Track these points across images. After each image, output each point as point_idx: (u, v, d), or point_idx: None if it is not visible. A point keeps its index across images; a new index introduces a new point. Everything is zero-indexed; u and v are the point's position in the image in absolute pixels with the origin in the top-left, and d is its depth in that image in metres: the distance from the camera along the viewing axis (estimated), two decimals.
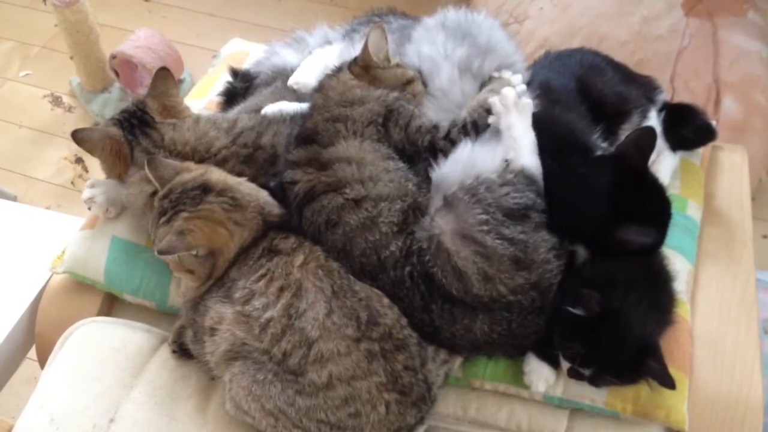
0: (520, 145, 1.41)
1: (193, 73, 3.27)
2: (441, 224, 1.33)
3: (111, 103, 3.20)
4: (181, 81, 3.21)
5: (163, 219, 1.38)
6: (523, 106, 1.44)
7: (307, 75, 1.76)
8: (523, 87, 1.54)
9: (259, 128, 1.58)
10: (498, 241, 1.29)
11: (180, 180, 1.41)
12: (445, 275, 1.32)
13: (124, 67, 3.16)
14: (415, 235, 1.36)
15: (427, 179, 1.44)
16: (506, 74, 1.57)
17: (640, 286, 1.32)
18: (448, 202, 1.35)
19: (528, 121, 1.43)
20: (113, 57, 3.13)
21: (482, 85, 1.57)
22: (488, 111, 1.48)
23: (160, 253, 1.33)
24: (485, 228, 1.29)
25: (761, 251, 1.80)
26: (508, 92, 1.45)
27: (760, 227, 2.51)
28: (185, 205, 1.37)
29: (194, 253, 1.36)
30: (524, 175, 1.37)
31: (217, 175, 1.44)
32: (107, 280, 1.63)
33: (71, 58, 3.17)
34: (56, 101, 3.35)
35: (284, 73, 1.83)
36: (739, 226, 1.77)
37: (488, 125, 1.48)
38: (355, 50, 1.66)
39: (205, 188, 1.40)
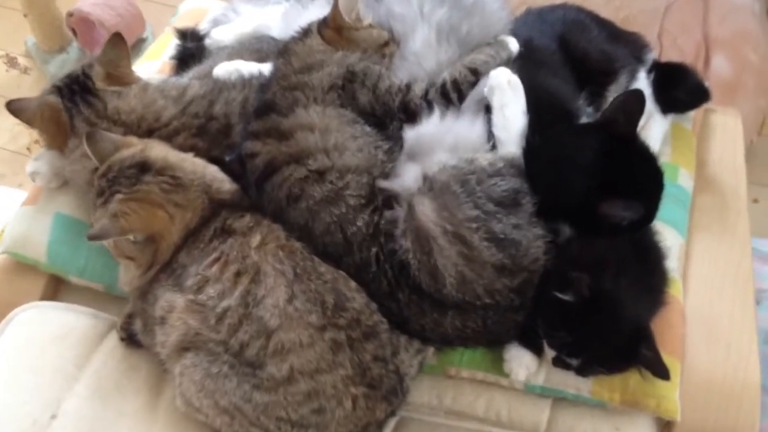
0: (512, 129, 1.35)
1: (155, 31, 3.13)
2: (425, 212, 1.25)
3: (69, 64, 3.06)
4: (143, 40, 3.10)
5: (100, 200, 1.31)
6: (515, 85, 1.36)
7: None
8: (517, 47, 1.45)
9: (210, 96, 1.49)
10: (485, 243, 1.21)
11: (118, 157, 1.33)
12: (420, 268, 1.24)
13: (81, 25, 3.03)
14: (384, 214, 1.28)
15: (399, 142, 1.37)
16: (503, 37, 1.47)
17: (632, 266, 1.28)
18: (435, 190, 1.26)
19: (523, 102, 1.36)
20: (70, 15, 2.99)
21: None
22: (474, 72, 1.40)
23: (90, 238, 1.26)
24: (474, 225, 1.21)
25: (752, 216, 1.73)
26: (501, 71, 1.36)
27: (751, 191, 2.45)
28: (121, 186, 1.30)
29: (131, 238, 1.29)
30: (513, 164, 1.30)
31: (157, 151, 1.35)
32: (50, 261, 1.53)
33: (25, 16, 3.04)
34: (11, 62, 3.22)
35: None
36: (733, 194, 1.73)
37: (472, 87, 1.40)
38: (306, 11, 1.60)
39: (143, 166, 1.31)
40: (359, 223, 1.27)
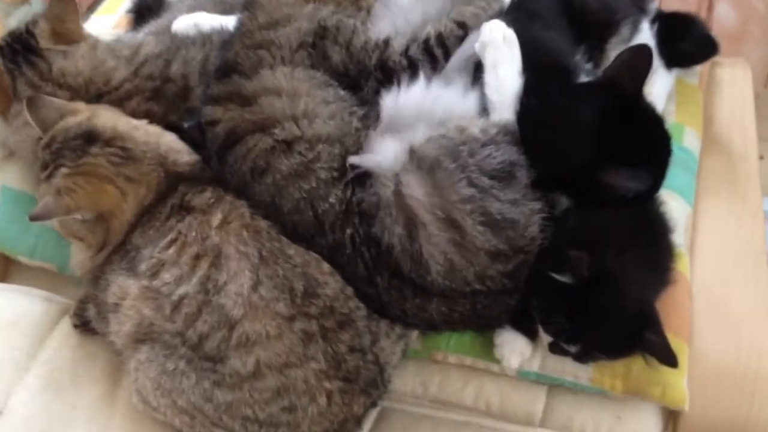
0: (506, 91, 1.22)
1: None
2: (413, 195, 1.14)
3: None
4: None
5: (44, 174, 1.20)
6: (511, 41, 1.23)
7: None
8: None
9: (167, 55, 1.39)
10: (480, 228, 1.10)
11: (63, 126, 1.23)
12: (401, 252, 1.14)
13: None
14: (358, 193, 1.17)
15: (376, 108, 1.26)
16: None
17: (636, 242, 1.17)
18: (424, 168, 1.14)
19: (519, 61, 1.23)
20: None
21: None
22: (461, 25, 1.30)
23: (33, 219, 1.17)
24: (468, 207, 1.11)
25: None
26: (495, 24, 1.23)
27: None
28: (65, 159, 1.20)
29: (78, 217, 1.19)
30: (508, 131, 1.18)
31: (105, 119, 1.25)
32: None
33: None
34: None
35: None
36: (742, 155, 1.62)
37: (459, 43, 1.28)
38: None
39: (90, 137, 1.22)
40: (331, 200, 1.16)
